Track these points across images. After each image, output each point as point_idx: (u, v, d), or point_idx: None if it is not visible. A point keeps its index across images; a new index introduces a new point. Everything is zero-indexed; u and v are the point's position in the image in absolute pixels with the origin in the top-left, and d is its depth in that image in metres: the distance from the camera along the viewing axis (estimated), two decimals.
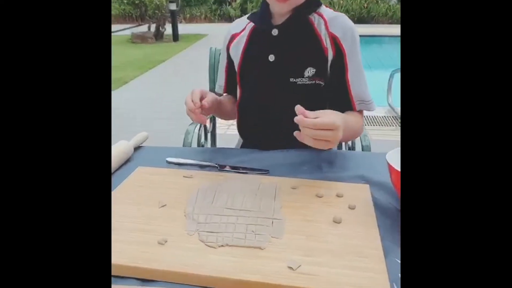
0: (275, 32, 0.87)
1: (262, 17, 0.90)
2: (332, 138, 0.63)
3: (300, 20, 0.86)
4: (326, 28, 0.86)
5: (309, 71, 0.85)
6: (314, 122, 0.61)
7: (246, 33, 0.92)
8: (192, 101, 0.76)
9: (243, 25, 0.94)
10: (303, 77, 0.85)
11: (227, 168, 0.77)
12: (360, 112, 0.90)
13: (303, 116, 0.61)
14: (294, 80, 0.85)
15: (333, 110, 0.73)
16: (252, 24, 0.92)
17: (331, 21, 0.86)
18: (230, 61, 0.96)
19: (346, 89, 0.87)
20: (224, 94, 1.03)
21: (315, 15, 0.87)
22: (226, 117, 1.02)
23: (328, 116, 0.63)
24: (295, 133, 0.63)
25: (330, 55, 0.86)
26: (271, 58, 0.87)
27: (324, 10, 0.89)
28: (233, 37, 0.94)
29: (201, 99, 0.78)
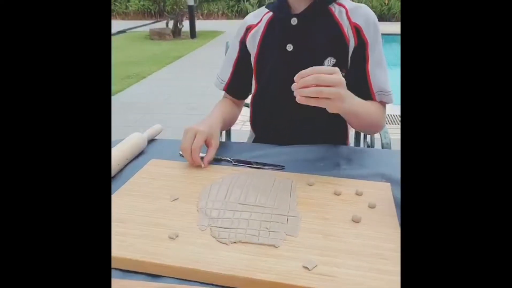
0: (294, 21, 0.84)
1: (281, 6, 0.87)
2: (334, 95, 0.62)
3: (320, 9, 0.84)
4: (348, 17, 0.83)
5: (329, 61, 0.82)
6: (316, 78, 0.60)
7: (263, 24, 0.89)
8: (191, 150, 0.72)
9: (259, 16, 0.91)
10: None
11: (242, 163, 0.75)
12: (382, 103, 0.86)
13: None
14: None
15: None
16: (269, 15, 0.89)
17: (353, 10, 0.84)
18: (242, 54, 0.93)
19: (366, 80, 0.83)
20: (223, 100, 0.97)
21: (335, 4, 0.84)
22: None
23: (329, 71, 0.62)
24: (298, 98, 0.62)
25: (352, 45, 0.83)
26: (289, 47, 0.84)
27: (344, 0, 0.85)
28: (249, 29, 0.91)
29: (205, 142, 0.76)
